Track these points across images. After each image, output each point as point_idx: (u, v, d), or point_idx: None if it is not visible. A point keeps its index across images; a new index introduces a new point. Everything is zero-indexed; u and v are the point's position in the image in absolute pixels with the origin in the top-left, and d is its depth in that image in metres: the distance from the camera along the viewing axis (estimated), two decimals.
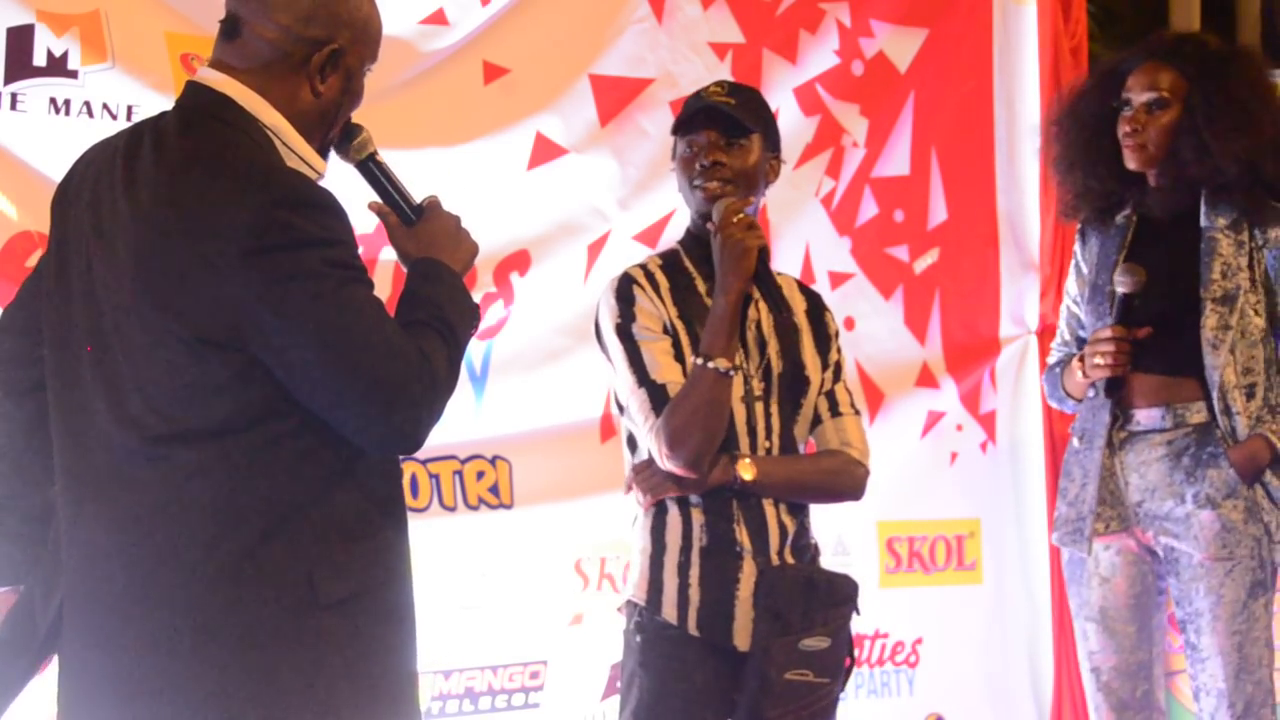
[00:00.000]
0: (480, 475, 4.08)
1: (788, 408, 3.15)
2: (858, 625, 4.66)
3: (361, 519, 2.27)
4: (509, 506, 4.11)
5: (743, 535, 3.07)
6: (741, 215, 3.04)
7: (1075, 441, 3.79)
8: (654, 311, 3.11)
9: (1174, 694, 4.70)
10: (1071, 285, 3.92)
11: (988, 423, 4.88)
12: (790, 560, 3.11)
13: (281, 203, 2.16)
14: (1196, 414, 3.63)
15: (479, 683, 4.08)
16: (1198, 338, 3.61)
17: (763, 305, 3.14)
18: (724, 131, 3.11)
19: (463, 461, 4.03)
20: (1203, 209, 3.68)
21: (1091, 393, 3.72)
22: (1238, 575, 3.57)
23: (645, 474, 3.11)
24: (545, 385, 4.13)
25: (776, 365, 3.15)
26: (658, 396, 3.05)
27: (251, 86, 2.26)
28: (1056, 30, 4.97)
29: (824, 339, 3.24)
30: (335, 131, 2.39)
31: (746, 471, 3.05)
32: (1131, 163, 3.70)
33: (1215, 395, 3.60)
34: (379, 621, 2.28)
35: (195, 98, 2.30)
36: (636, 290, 3.13)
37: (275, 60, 2.28)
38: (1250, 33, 9.14)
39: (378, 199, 2.48)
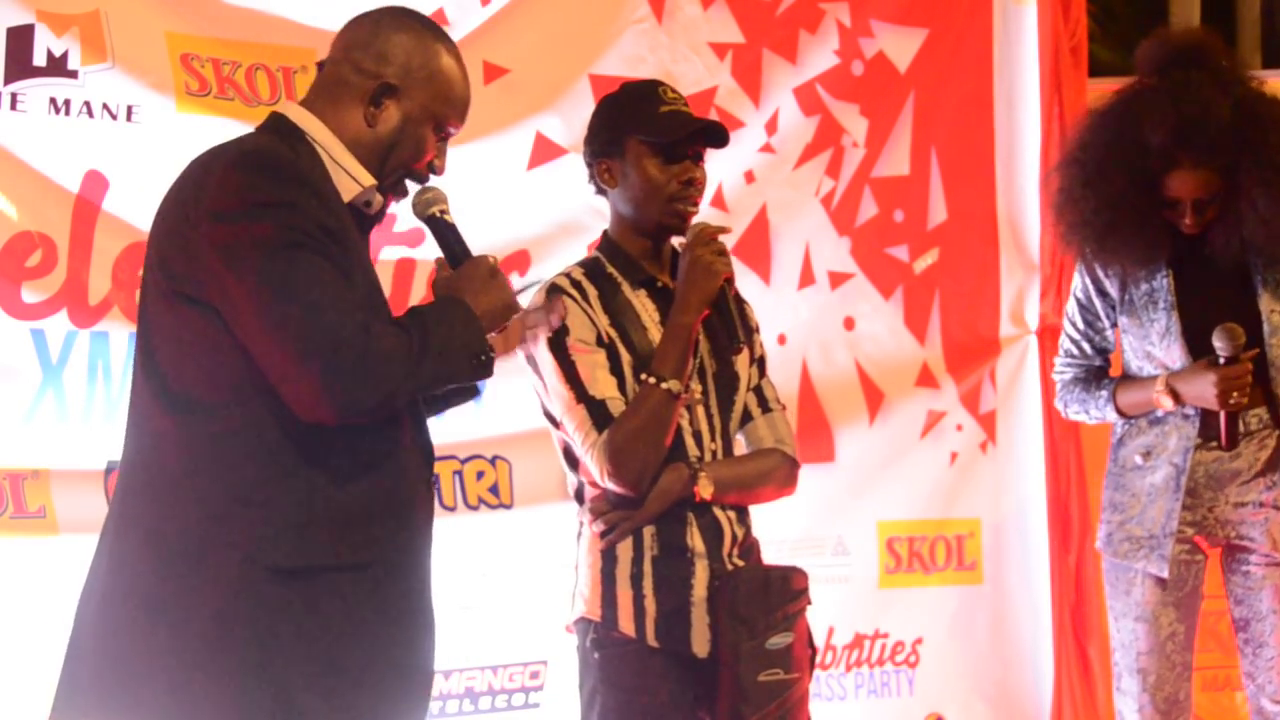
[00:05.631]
0: (480, 475, 4.08)
1: (724, 407, 3.14)
2: (858, 625, 4.72)
3: (350, 500, 2.32)
4: (509, 506, 4.11)
5: (695, 539, 3.05)
6: (716, 241, 3.04)
7: (1137, 459, 3.75)
8: (587, 323, 3.06)
9: None
10: (1090, 302, 3.85)
11: (988, 423, 4.88)
12: (739, 561, 3.10)
13: (238, 164, 2.32)
14: (1265, 419, 3.68)
15: (479, 683, 4.08)
16: (1261, 346, 3.64)
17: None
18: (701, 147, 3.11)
19: (463, 461, 4.03)
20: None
21: (1160, 412, 3.71)
22: None
23: (602, 509, 3.06)
24: None
25: (710, 365, 3.13)
26: (598, 412, 3.01)
27: (312, 110, 2.46)
28: (1056, 30, 4.96)
29: (747, 333, 3.21)
30: (395, 173, 2.49)
31: (705, 490, 3.04)
32: (1187, 233, 3.66)
33: None
34: (355, 603, 2.31)
35: (264, 121, 2.50)
36: (567, 302, 3.06)
37: (338, 88, 2.47)
38: (1250, 33, 9.15)
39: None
